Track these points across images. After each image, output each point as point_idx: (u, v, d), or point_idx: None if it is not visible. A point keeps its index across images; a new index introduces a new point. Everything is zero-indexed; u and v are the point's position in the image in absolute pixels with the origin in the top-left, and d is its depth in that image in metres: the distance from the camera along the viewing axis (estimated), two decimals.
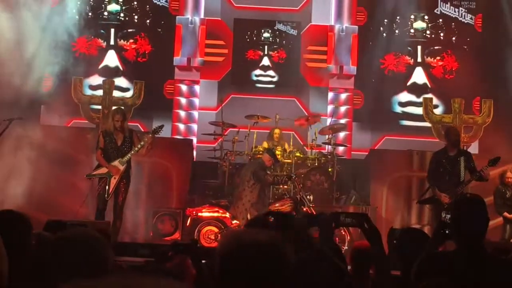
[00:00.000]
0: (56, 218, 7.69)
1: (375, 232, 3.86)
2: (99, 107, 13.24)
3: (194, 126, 15.51)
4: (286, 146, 13.33)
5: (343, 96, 15.70)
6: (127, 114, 11.36)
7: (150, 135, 10.42)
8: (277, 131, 13.34)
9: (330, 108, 15.36)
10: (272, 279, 2.28)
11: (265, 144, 13.25)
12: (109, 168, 10.26)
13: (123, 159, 10.27)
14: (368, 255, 5.09)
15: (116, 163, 10.28)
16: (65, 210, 11.34)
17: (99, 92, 13.53)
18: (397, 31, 15.78)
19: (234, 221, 11.27)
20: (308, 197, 11.17)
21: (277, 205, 11.19)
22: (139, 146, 10.25)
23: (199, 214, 11.44)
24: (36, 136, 11.69)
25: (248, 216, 11.03)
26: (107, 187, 10.23)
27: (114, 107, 12.14)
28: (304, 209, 10.85)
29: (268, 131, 13.59)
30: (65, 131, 12.62)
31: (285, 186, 12.17)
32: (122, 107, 11.82)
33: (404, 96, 15.73)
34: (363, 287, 5.04)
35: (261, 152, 12.40)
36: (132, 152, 10.28)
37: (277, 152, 12.41)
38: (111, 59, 15.46)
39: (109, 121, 10.51)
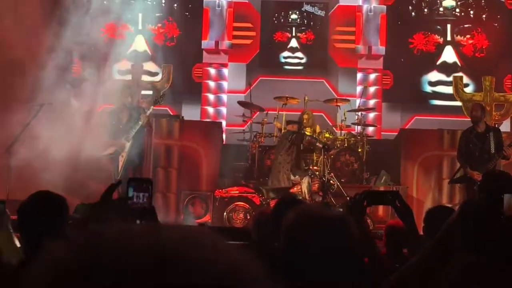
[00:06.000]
0: (86, 202, 7.78)
1: (407, 210, 3.83)
2: None
3: (223, 109, 15.52)
4: (317, 128, 13.22)
5: (372, 76, 15.59)
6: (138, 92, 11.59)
7: (152, 105, 10.64)
8: (306, 116, 13.14)
9: (359, 88, 15.27)
10: (337, 253, 2.33)
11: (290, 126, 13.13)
12: (114, 143, 10.42)
13: (128, 136, 10.42)
14: (401, 234, 5.06)
15: (122, 140, 10.46)
16: (95, 194, 11.44)
17: (128, 77, 13.62)
18: (425, 10, 15.61)
19: (295, 188, 11.36)
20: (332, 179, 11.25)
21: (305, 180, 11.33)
22: (139, 123, 10.39)
23: (228, 195, 11.50)
24: (67, 120, 11.78)
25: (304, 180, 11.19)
26: (117, 167, 10.45)
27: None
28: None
29: (297, 113, 13.49)
30: (95, 116, 12.71)
31: (316, 159, 12.20)
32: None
33: (434, 76, 15.58)
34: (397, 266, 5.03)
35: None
36: (137, 127, 10.41)
37: (307, 133, 12.36)
38: (140, 44, 15.51)
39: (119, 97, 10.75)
